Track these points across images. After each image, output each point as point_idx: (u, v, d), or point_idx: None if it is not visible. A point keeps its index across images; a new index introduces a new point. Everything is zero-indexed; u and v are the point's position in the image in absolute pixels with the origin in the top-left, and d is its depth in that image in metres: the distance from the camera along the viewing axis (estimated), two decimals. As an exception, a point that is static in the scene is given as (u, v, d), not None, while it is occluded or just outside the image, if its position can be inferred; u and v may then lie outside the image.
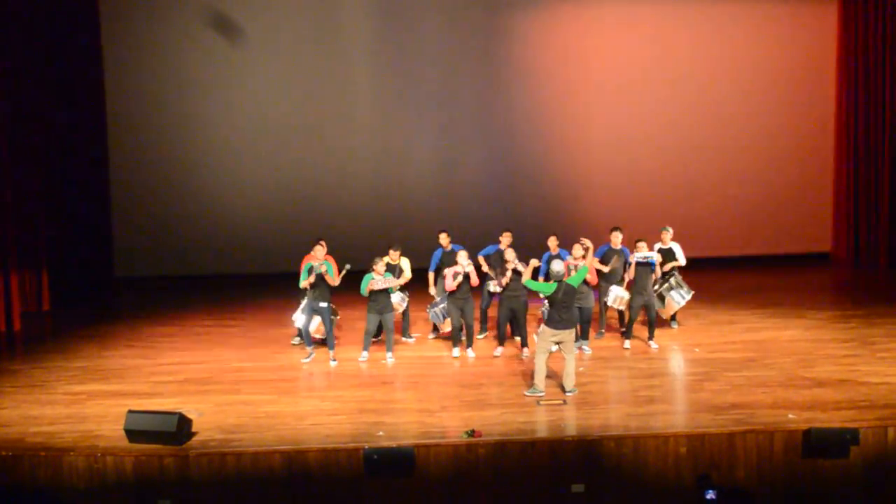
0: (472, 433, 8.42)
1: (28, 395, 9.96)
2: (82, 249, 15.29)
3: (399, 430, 8.68)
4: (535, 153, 16.41)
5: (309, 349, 11.01)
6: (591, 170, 16.47)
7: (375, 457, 8.11)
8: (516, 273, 10.66)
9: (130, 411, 8.52)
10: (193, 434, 8.56)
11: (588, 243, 10.69)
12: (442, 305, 11.21)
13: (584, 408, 9.20)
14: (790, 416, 8.75)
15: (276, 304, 13.46)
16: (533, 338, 10.51)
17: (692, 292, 11.68)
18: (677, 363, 10.89)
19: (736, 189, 16.49)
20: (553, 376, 9.93)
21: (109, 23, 15.34)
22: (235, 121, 16.04)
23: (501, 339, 11.19)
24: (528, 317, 11.10)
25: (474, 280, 10.90)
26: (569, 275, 9.89)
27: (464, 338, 11.26)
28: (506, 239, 11.21)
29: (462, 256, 10.91)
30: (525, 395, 9.57)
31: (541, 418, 8.97)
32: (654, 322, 11.35)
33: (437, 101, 16.24)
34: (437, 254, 11.65)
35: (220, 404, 9.50)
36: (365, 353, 10.96)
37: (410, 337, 11.92)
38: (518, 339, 11.18)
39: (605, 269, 11.24)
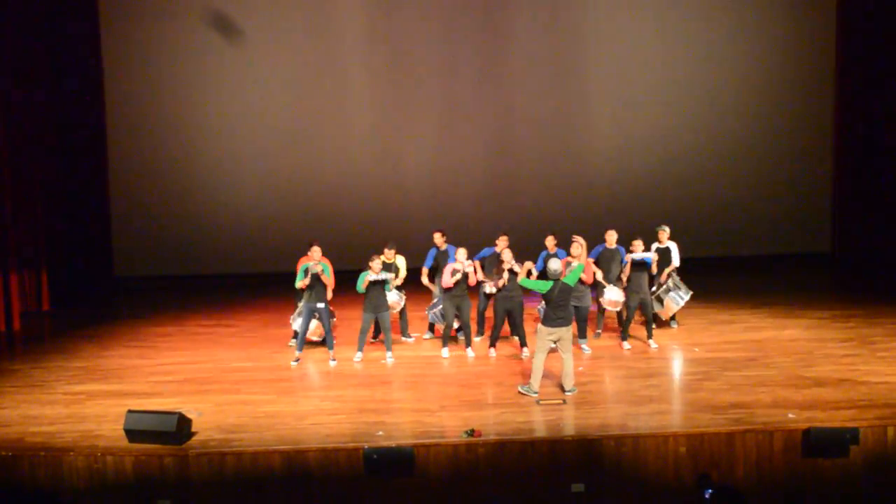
0: (471, 433, 8.42)
1: (28, 395, 9.96)
2: (82, 249, 15.30)
3: (399, 430, 8.68)
4: (532, 153, 16.40)
5: (297, 353, 10.99)
6: (590, 170, 16.45)
7: (375, 456, 8.11)
8: (512, 273, 10.67)
9: (130, 411, 8.53)
10: (193, 434, 8.56)
11: (581, 241, 10.73)
12: (441, 306, 11.21)
13: (583, 407, 9.20)
14: (790, 415, 8.75)
15: (276, 304, 13.47)
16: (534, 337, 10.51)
17: (690, 292, 11.69)
18: (677, 363, 10.88)
19: (736, 189, 16.47)
20: (552, 376, 9.93)
21: (109, 23, 15.35)
22: (235, 121, 16.06)
23: (494, 341, 11.18)
24: (525, 316, 11.09)
25: (472, 280, 10.90)
26: (565, 273, 9.89)
27: (462, 337, 11.26)
28: (502, 242, 11.21)
29: (461, 254, 10.91)
30: (518, 390, 9.58)
31: (540, 418, 8.96)
32: (652, 321, 11.35)
33: (435, 102, 16.24)
34: (432, 253, 11.66)
35: (219, 404, 9.50)
36: (359, 354, 10.96)
37: (409, 336, 11.92)
38: (517, 338, 11.18)
39: (600, 275, 11.26)
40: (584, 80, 16.38)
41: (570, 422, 8.85)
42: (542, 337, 9.57)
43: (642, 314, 11.37)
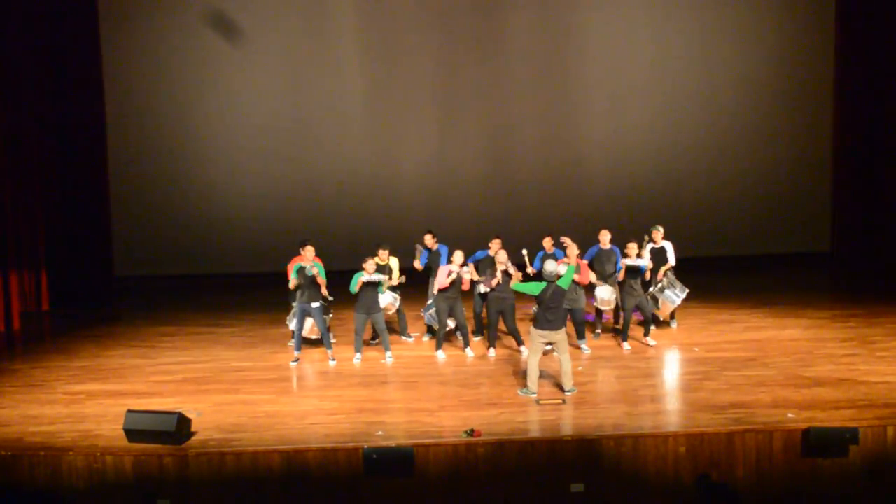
0: (471, 433, 8.42)
1: (27, 395, 9.97)
2: (82, 249, 15.29)
3: (398, 430, 8.68)
4: (530, 153, 16.43)
5: (296, 354, 11.01)
6: (588, 170, 16.48)
7: (375, 456, 8.11)
8: (506, 275, 10.67)
9: (129, 411, 8.53)
10: (192, 434, 8.57)
11: (569, 242, 10.74)
12: (434, 305, 11.23)
13: (583, 407, 9.20)
14: (790, 415, 8.75)
15: (275, 304, 13.44)
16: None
17: (686, 290, 11.65)
18: (676, 362, 10.88)
19: (735, 189, 16.48)
20: (550, 376, 9.93)
21: (109, 22, 15.34)
22: (234, 121, 16.08)
23: (492, 341, 11.19)
24: (521, 315, 11.07)
25: (465, 285, 10.91)
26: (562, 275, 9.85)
27: (460, 337, 11.26)
28: (495, 245, 11.21)
29: (458, 257, 10.91)
30: (518, 394, 9.59)
31: (540, 418, 8.96)
32: (650, 320, 11.36)
33: (431, 103, 16.27)
34: (424, 254, 11.66)
35: (219, 404, 9.50)
36: (358, 355, 10.96)
37: (409, 336, 11.93)
38: (513, 337, 11.20)
39: (594, 276, 11.28)
40: (582, 79, 16.38)
41: (570, 422, 8.85)
42: (534, 339, 9.57)
43: (641, 315, 11.36)
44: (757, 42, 16.31)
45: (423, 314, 11.59)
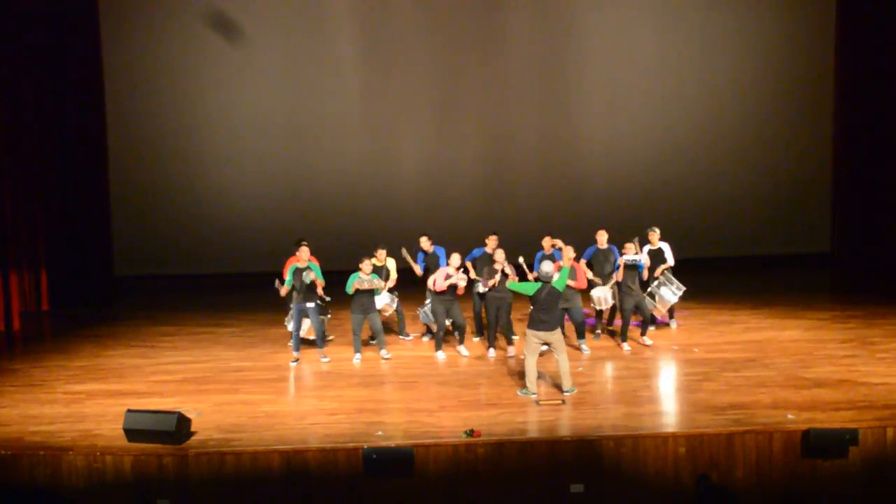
0: (471, 433, 8.42)
1: (27, 395, 9.97)
2: (82, 249, 15.28)
3: (398, 430, 8.68)
4: (529, 153, 16.42)
5: (295, 354, 11.01)
6: (586, 169, 16.46)
7: (374, 456, 8.10)
8: (503, 275, 10.68)
9: (129, 411, 8.52)
10: (192, 433, 8.56)
11: (561, 244, 10.79)
12: (430, 306, 11.23)
13: (582, 408, 9.20)
14: (789, 416, 8.74)
15: (275, 304, 13.41)
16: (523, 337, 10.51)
17: (683, 288, 11.63)
18: (676, 363, 10.87)
19: (735, 189, 16.47)
20: (550, 377, 9.93)
21: (109, 23, 15.32)
22: (234, 121, 16.09)
23: (492, 341, 11.19)
24: (519, 316, 11.07)
25: (460, 289, 10.91)
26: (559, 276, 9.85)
27: (457, 334, 11.26)
28: (492, 242, 11.21)
29: (455, 259, 10.91)
30: (517, 394, 9.59)
31: (539, 418, 8.96)
32: (649, 320, 11.36)
33: (429, 103, 16.27)
34: (420, 256, 11.67)
35: (218, 404, 9.50)
36: (357, 356, 10.96)
37: (408, 336, 11.92)
38: (504, 336, 11.22)
39: (590, 274, 11.29)
40: (581, 80, 16.38)
41: (570, 422, 8.84)
42: (529, 340, 9.57)
43: (639, 315, 11.36)
44: (757, 42, 16.30)
45: (418, 312, 11.58)
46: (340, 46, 16.08)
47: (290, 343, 11.13)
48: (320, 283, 10.87)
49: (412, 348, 11.62)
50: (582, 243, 11.45)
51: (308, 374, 10.75)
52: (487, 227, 11.67)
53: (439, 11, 16.08)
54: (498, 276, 10.68)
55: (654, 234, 11.74)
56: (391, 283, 11.32)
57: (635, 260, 11.00)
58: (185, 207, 16.06)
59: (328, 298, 11.02)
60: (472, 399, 9.56)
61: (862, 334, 11.64)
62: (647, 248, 11.60)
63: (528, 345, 9.56)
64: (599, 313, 11.82)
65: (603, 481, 8.34)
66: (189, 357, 11.38)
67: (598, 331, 11.84)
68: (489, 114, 16.36)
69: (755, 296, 13.85)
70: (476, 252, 11.44)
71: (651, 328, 11.52)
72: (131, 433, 8.37)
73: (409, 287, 11.75)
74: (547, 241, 11.35)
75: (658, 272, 11.57)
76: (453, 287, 10.88)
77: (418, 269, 11.65)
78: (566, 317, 10.91)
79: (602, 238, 11.48)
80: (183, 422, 8.45)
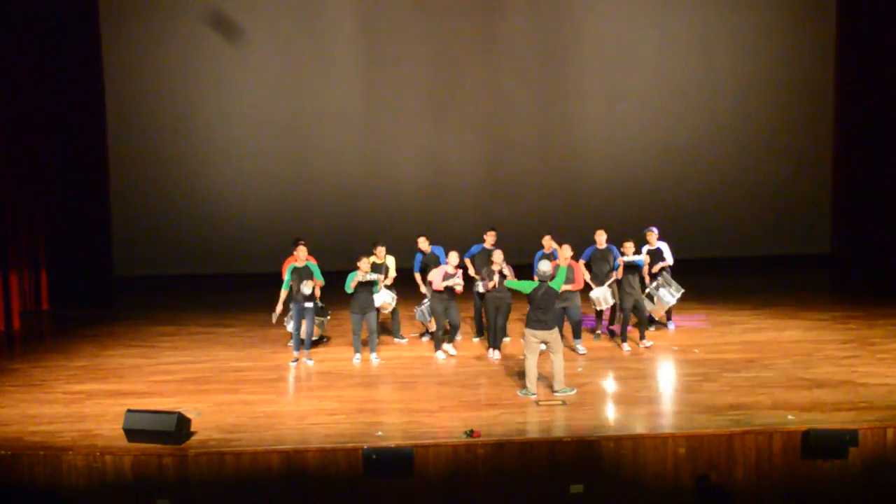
0: (470, 433, 8.42)
1: (27, 394, 9.97)
2: (82, 249, 15.30)
3: (398, 430, 8.68)
4: (528, 153, 16.45)
5: (295, 354, 11.02)
6: (586, 169, 16.49)
7: (374, 457, 8.10)
8: (502, 276, 10.68)
9: (129, 410, 8.52)
10: (192, 433, 8.56)
11: (554, 244, 10.80)
12: (427, 304, 11.23)
13: (582, 408, 9.19)
14: (789, 416, 8.74)
15: (275, 304, 13.43)
16: (520, 340, 10.51)
17: (682, 290, 11.62)
18: (676, 364, 10.87)
19: (735, 189, 16.48)
20: (550, 377, 9.92)
21: (109, 23, 15.35)
22: (234, 121, 16.11)
23: (492, 342, 11.17)
24: (519, 316, 11.07)
25: (458, 290, 10.90)
26: (556, 276, 9.85)
27: (449, 333, 11.24)
28: (490, 238, 11.21)
29: (453, 258, 10.90)
30: (517, 395, 9.59)
31: (539, 419, 8.96)
32: (646, 322, 11.35)
33: (428, 102, 16.29)
34: (418, 257, 11.67)
35: (218, 404, 9.50)
36: (357, 356, 10.96)
37: (403, 338, 11.91)
38: (497, 335, 11.20)
39: (588, 276, 11.30)
40: (580, 79, 16.39)
41: (569, 423, 8.84)
42: (528, 340, 9.57)
43: (637, 316, 11.36)
44: (757, 42, 16.31)
45: (415, 311, 11.57)
46: (340, 47, 16.11)
47: (290, 343, 11.13)
48: (319, 283, 10.86)
49: (412, 349, 11.61)
50: (581, 243, 11.45)
51: (308, 374, 10.75)
52: (486, 227, 11.67)
53: (439, 12, 16.09)
54: (496, 278, 10.69)
55: (653, 235, 11.74)
56: (390, 280, 11.31)
57: (635, 260, 11.01)
58: (185, 207, 16.08)
59: (321, 304, 11.02)
60: (472, 399, 9.56)
61: (862, 335, 11.64)
62: (645, 248, 11.61)
63: (528, 345, 9.56)
64: (599, 314, 11.81)
65: (602, 482, 8.34)
66: (189, 357, 11.38)
67: (598, 332, 11.84)
68: (489, 114, 16.38)
69: (755, 296, 13.85)
70: (474, 248, 11.45)
71: (651, 328, 11.51)
72: (131, 433, 8.37)
73: (408, 285, 11.74)
74: (547, 240, 11.35)
75: (656, 268, 11.57)
76: (451, 287, 10.88)
77: (419, 277, 11.63)
78: (565, 317, 10.91)
79: (601, 238, 11.48)
80: (183, 422, 8.45)
